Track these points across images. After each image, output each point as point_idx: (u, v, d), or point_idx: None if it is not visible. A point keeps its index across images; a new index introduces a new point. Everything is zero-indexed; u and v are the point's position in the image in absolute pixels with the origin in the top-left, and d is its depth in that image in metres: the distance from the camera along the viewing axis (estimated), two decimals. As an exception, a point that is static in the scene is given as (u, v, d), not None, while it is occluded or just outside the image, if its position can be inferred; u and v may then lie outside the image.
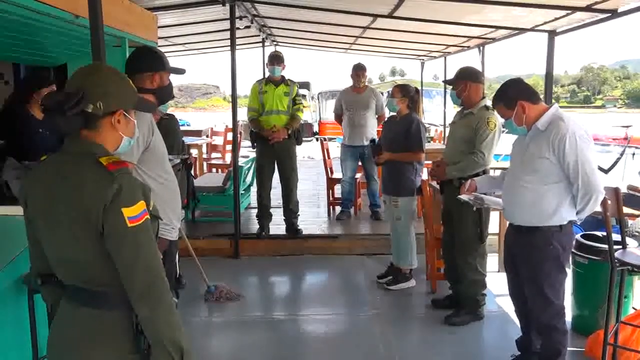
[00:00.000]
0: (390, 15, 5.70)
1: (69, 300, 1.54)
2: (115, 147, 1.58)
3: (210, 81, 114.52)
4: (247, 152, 11.01)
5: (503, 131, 3.91)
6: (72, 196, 1.43)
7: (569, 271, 3.57)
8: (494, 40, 6.92)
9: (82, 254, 1.47)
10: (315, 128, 20.52)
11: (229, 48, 5.62)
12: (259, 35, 9.00)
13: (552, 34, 5.15)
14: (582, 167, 2.69)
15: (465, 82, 3.81)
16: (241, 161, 6.47)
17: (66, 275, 1.54)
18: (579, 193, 2.74)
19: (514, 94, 2.87)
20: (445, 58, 9.34)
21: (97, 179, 1.42)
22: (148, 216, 1.46)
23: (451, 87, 3.96)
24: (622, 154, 8.79)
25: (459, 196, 3.43)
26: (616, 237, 3.06)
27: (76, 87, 1.47)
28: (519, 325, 3.31)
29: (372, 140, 5.33)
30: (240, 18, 6.57)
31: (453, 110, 4.54)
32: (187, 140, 6.95)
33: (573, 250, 3.68)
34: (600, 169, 7.74)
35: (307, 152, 14.40)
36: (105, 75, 1.54)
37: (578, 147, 2.68)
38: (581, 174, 2.69)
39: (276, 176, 5.72)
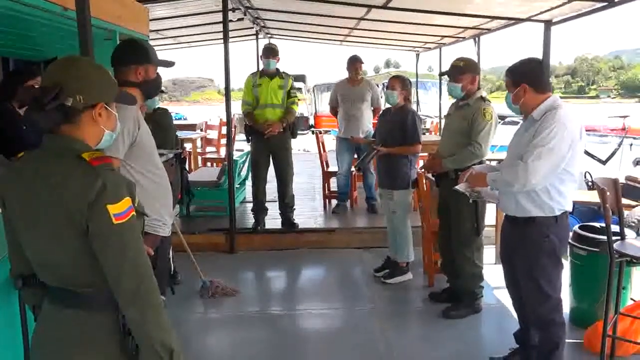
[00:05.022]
0: (384, 6, 5.64)
1: (53, 302, 1.49)
2: (97, 142, 1.52)
3: (204, 74, 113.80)
4: (242, 145, 10.95)
5: (499, 122, 3.87)
6: (54, 195, 1.36)
7: (567, 263, 3.55)
8: (489, 30, 6.86)
9: (65, 255, 1.41)
10: (311, 121, 20.48)
11: (222, 41, 5.55)
12: (252, 28, 8.91)
13: (549, 23, 5.10)
14: (542, 151, 2.56)
15: (473, 75, 3.77)
16: (236, 155, 6.43)
17: (49, 277, 1.48)
18: (515, 164, 2.65)
19: (522, 74, 2.79)
20: (440, 49, 9.29)
21: (80, 176, 1.36)
22: (134, 213, 1.41)
23: (449, 79, 3.87)
24: (620, 145, 8.75)
25: (456, 187, 3.38)
26: (614, 228, 3.03)
27: (53, 81, 1.40)
28: (517, 318, 3.28)
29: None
30: (233, 10, 6.50)
31: (449, 101, 4.49)
32: (182, 134, 6.89)
33: (571, 241, 3.65)
34: (598, 159, 7.75)
35: (302, 145, 14.34)
36: (84, 68, 1.48)
37: (557, 137, 2.56)
38: (534, 155, 2.57)
39: (271, 170, 5.67)
